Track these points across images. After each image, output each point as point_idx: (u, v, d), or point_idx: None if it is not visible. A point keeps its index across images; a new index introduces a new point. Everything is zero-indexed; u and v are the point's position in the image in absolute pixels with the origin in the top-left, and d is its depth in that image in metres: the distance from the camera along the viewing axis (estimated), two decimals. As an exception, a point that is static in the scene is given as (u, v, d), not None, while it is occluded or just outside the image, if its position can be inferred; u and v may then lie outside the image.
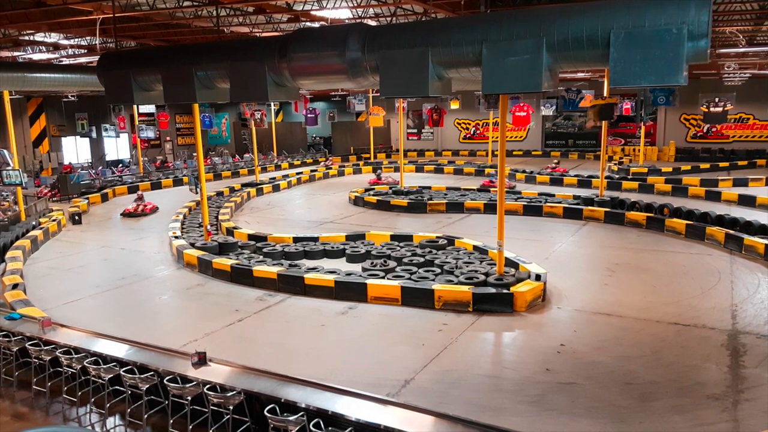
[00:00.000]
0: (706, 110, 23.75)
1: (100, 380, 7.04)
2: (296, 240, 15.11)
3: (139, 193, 21.66)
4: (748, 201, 19.04)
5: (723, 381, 7.67)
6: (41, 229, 16.58)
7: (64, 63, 20.01)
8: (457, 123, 39.65)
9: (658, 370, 8.03)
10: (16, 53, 18.81)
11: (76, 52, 18.98)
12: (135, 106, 30.25)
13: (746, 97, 28.82)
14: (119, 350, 7.37)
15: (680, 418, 6.76)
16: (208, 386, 6.25)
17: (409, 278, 11.49)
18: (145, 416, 6.72)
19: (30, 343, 7.75)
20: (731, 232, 14.29)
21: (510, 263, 11.86)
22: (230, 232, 16.36)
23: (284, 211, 21.42)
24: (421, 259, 12.86)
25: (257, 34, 15.75)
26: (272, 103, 33.91)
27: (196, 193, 15.87)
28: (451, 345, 9.02)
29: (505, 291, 10.41)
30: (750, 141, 31.95)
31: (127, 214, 20.27)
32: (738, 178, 23.15)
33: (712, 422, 6.67)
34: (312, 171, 30.43)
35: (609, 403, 7.18)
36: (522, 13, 7.08)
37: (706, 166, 27.73)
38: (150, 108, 34.55)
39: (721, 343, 8.81)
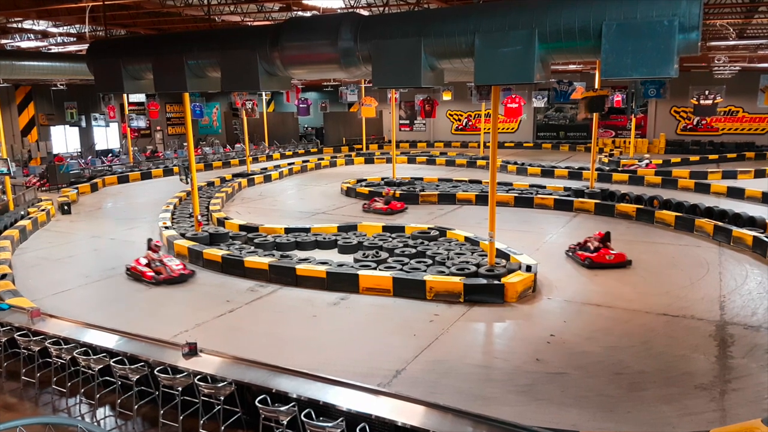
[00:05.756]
0: (696, 103, 23.83)
1: (90, 371, 7.02)
2: (288, 231, 15.08)
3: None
4: (736, 193, 19.20)
5: (711, 371, 7.76)
6: (30, 218, 16.45)
7: (52, 51, 19.76)
8: (450, 114, 39.60)
9: (647, 360, 8.11)
10: (4, 41, 18.55)
11: (65, 40, 18.71)
12: (125, 95, 30.02)
13: (736, 90, 28.93)
14: (109, 341, 7.35)
15: (668, 408, 6.83)
16: (198, 377, 6.24)
17: (401, 269, 11.51)
18: (136, 407, 6.71)
19: (19, 333, 7.71)
20: (720, 223, 14.42)
21: (501, 254, 11.90)
22: (221, 222, 16.30)
23: (276, 201, 21.36)
24: (413, 250, 12.88)
25: (249, 23, 15.61)
26: (264, 93, 33.69)
27: (187, 183, 15.78)
28: (443, 335, 9.06)
29: (496, 282, 10.46)
30: (739, 134, 32.14)
31: None
32: (727, 170, 23.32)
33: (699, 411, 6.75)
34: (304, 161, 30.34)
35: (598, 393, 7.25)
36: (515, 3, 7.05)
37: (696, 158, 27.94)
38: (140, 97, 34.23)
39: (709, 334, 8.91)
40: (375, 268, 11.60)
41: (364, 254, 12.74)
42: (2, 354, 7.97)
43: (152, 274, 11.75)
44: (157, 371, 6.40)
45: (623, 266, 12.23)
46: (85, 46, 15.29)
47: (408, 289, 10.69)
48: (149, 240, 12.53)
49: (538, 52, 6.67)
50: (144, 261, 12.01)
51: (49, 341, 7.35)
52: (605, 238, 12.54)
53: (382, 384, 7.34)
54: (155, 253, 12.15)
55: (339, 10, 13.35)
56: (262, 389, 5.97)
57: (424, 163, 30.61)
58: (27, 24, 16.14)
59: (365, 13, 12.59)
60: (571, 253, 12.93)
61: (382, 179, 23.16)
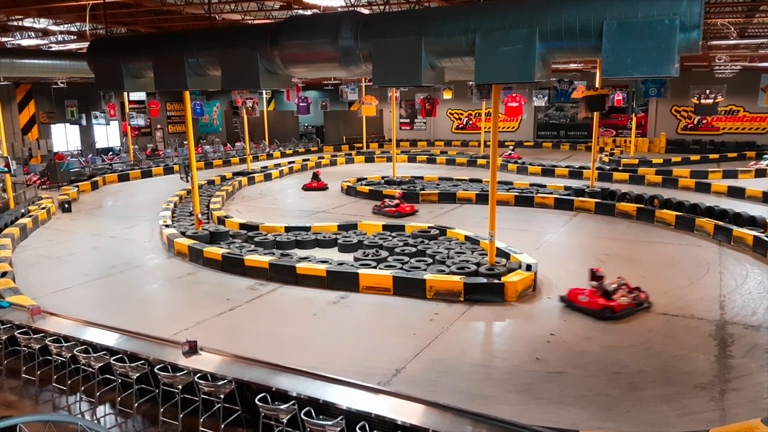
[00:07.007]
0: (697, 102, 23.82)
1: (90, 369, 7.02)
2: (288, 229, 15.08)
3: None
4: (737, 193, 19.19)
5: (710, 371, 7.76)
6: (30, 216, 16.46)
7: (53, 49, 19.75)
8: (450, 113, 39.58)
9: (646, 360, 8.11)
10: (4, 39, 18.55)
11: (66, 38, 18.71)
12: (125, 94, 30.06)
13: (736, 90, 28.93)
14: (109, 339, 7.35)
15: (668, 407, 6.84)
16: (198, 375, 6.24)
17: (401, 268, 11.51)
18: (136, 405, 6.71)
19: (19, 331, 7.71)
20: (720, 223, 14.42)
21: (501, 253, 11.90)
22: (221, 221, 16.31)
23: (276, 200, 21.36)
24: (413, 249, 12.89)
25: (249, 22, 15.60)
26: (264, 92, 33.70)
27: (187, 181, 15.79)
28: (442, 334, 9.06)
29: (496, 281, 10.46)
30: (740, 133, 32.13)
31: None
32: (728, 170, 23.30)
33: (699, 411, 6.75)
34: (304, 160, 30.33)
35: (597, 392, 7.25)
36: (515, 2, 7.04)
37: (697, 157, 27.92)
38: (140, 95, 34.23)
39: (709, 333, 8.91)
40: (375, 267, 11.61)
41: (364, 253, 12.74)
42: (2, 352, 7.97)
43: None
44: (157, 369, 6.40)
45: (413, 214, 17.51)
46: (86, 44, 15.30)
47: (408, 288, 10.69)
48: (592, 271, 10.25)
49: (539, 51, 6.66)
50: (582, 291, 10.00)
51: (49, 339, 7.34)
52: (402, 198, 18.22)
53: (382, 383, 7.35)
54: (600, 282, 9.94)
55: (339, 9, 13.34)
56: (262, 387, 5.97)
57: (425, 161, 30.60)
58: (27, 22, 16.14)
59: (366, 11, 12.58)
60: (377, 210, 17.84)
61: (383, 178, 23.15)
